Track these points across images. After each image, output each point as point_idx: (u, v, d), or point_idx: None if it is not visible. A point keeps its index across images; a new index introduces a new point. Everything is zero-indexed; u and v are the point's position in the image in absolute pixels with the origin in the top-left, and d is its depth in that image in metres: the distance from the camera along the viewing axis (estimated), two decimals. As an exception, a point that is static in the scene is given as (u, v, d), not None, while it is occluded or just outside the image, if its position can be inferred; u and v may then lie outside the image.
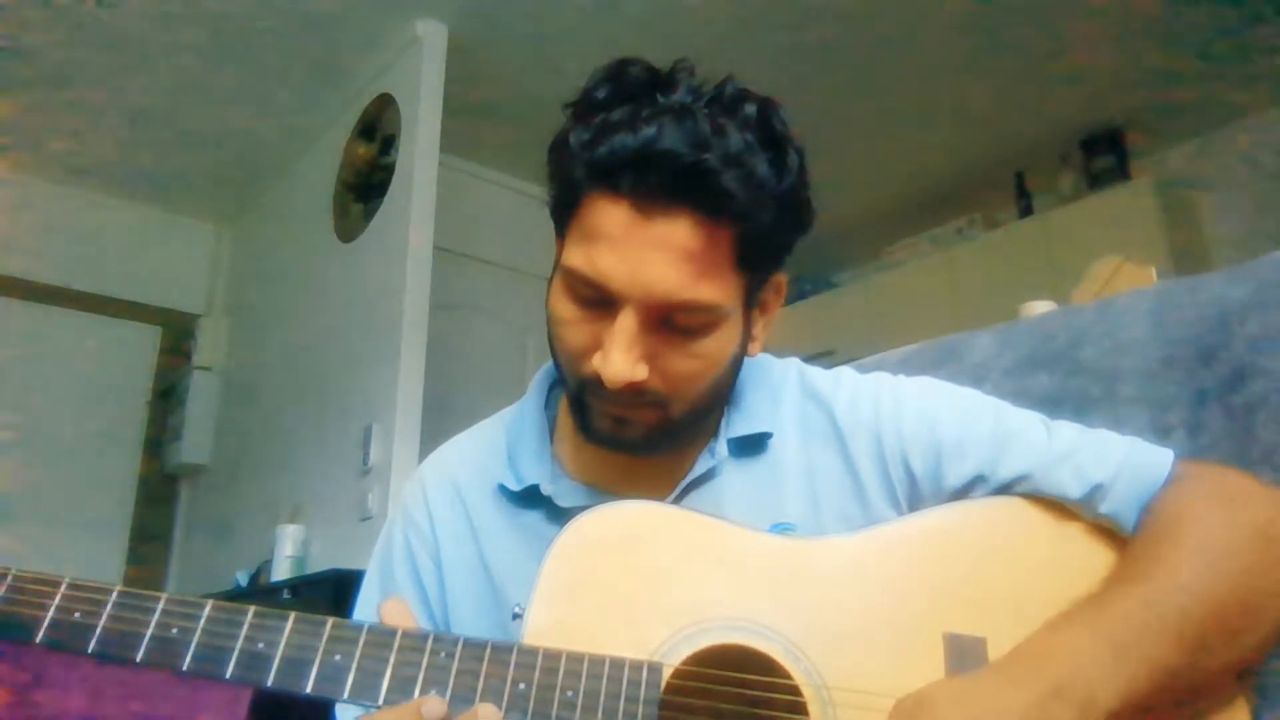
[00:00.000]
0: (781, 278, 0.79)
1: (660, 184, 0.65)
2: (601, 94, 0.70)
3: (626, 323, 0.67)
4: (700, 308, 0.68)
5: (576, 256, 0.69)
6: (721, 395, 0.77)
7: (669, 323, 0.69)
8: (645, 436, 0.73)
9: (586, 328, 0.70)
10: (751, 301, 0.75)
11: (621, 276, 0.67)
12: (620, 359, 0.67)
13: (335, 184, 3.42)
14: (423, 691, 0.61)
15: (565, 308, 0.72)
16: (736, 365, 0.77)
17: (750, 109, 0.69)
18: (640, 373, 0.68)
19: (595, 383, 0.70)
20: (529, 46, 3.17)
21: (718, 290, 0.69)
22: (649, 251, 0.66)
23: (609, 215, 0.67)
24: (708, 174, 0.65)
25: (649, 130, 0.65)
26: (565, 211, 0.72)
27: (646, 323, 0.68)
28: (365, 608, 0.84)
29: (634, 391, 0.69)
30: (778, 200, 0.69)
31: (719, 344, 0.71)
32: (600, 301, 0.69)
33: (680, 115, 0.66)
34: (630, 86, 0.69)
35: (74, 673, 1.45)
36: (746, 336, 0.76)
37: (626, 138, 0.66)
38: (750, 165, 0.67)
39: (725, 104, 0.69)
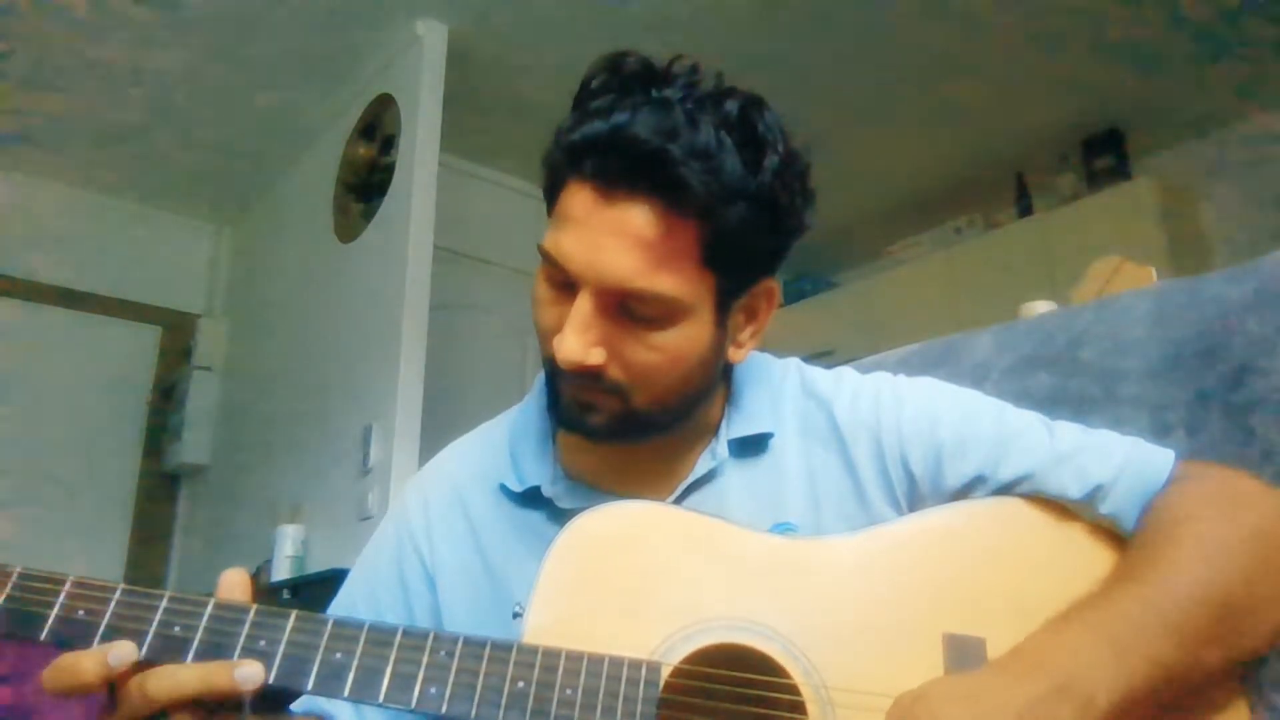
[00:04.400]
0: (772, 284, 0.77)
1: (620, 169, 0.66)
2: (596, 84, 0.71)
3: (583, 305, 0.68)
4: (655, 298, 0.68)
5: (548, 238, 0.71)
6: (696, 394, 0.76)
7: (626, 310, 0.69)
8: (608, 424, 0.73)
9: (555, 309, 0.71)
10: (728, 303, 0.73)
11: (579, 258, 0.68)
12: (573, 340, 0.68)
13: (335, 184, 3.42)
14: (422, 690, 0.61)
15: (539, 289, 0.73)
16: (710, 367, 0.75)
17: (732, 106, 0.69)
18: (594, 357, 0.69)
19: (558, 364, 0.70)
20: (529, 46, 3.17)
21: (677, 284, 0.68)
22: (606, 236, 0.67)
23: (576, 198, 0.69)
24: (668, 162, 0.65)
25: (620, 117, 0.66)
26: (550, 199, 0.74)
27: (604, 308, 0.69)
28: (343, 600, 0.85)
29: (591, 376, 0.70)
30: (749, 200, 0.68)
31: (682, 340, 0.70)
32: (566, 284, 0.70)
33: (656, 106, 0.67)
34: (623, 78, 0.70)
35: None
36: (724, 339, 0.75)
37: (599, 123, 0.67)
38: (717, 160, 0.66)
39: (707, 99, 0.69)
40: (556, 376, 0.73)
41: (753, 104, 0.70)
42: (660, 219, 0.66)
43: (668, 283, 0.67)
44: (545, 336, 0.73)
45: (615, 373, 0.70)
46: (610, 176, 0.67)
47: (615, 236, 0.67)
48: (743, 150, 0.68)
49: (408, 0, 2.99)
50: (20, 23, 2.95)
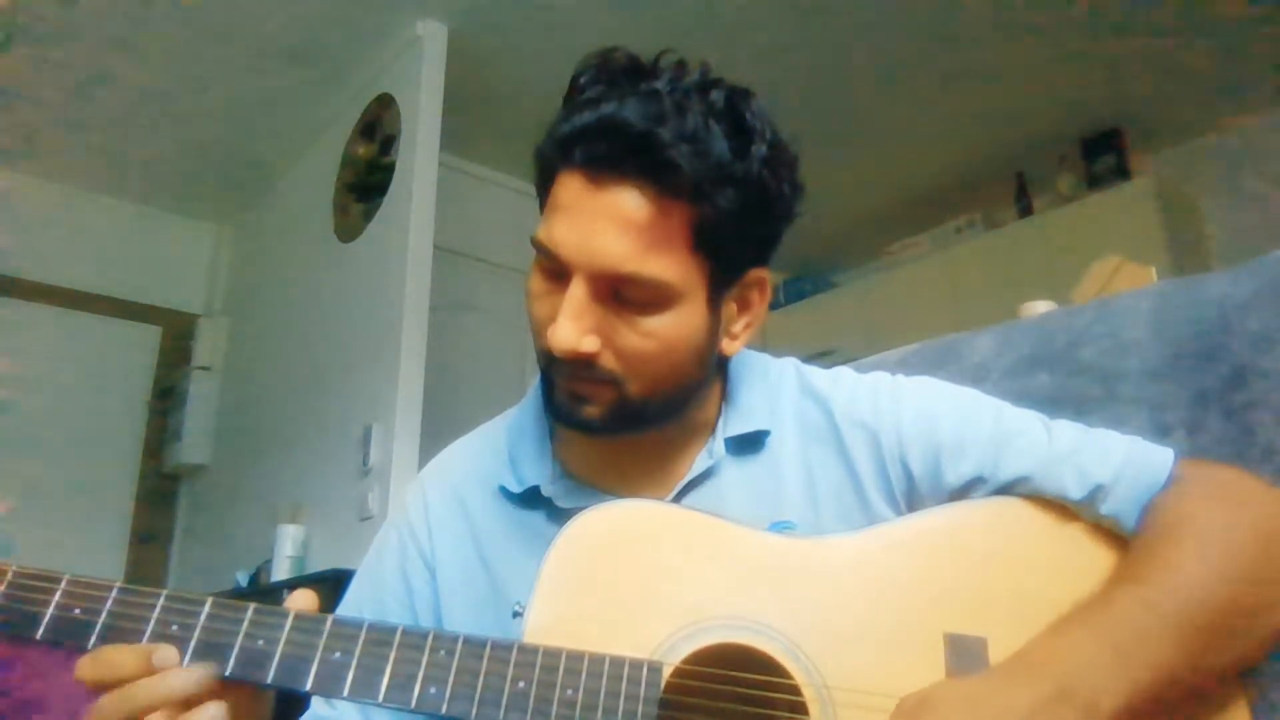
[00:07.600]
0: (764, 275, 0.78)
1: (609, 153, 0.67)
2: (584, 79, 0.71)
3: (575, 292, 0.68)
4: (646, 282, 0.68)
5: (540, 229, 0.71)
6: (689, 384, 0.75)
7: (619, 296, 0.69)
8: (602, 416, 0.73)
9: (548, 301, 0.71)
10: (720, 291, 0.73)
11: (571, 244, 0.68)
12: (567, 327, 0.68)
13: (335, 184, 3.43)
14: (422, 690, 0.61)
15: (533, 282, 0.73)
16: (704, 356, 0.74)
17: (718, 95, 0.70)
18: (589, 344, 0.69)
19: (553, 356, 0.70)
20: (529, 46, 3.17)
21: (668, 268, 0.68)
22: (597, 221, 0.67)
23: (567, 186, 0.69)
24: (656, 145, 0.66)
25: (608, 106, 0.68)
26: (542, 193, 0.74)
27: (597, 294, 0.69)
28: (349, 603, 0.85)
29: (585, 365, 0.70)
30: (737, 185, 0.69)
31: (674, 326, 0.70)
32: (559, 274, 0.70)
33: (644, 96, 0.68)
34: (611, 72, 0.71)
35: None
36: (717, 329, 0.75)
37: (587, 113, 0.68)
38: (704, 143, 0.67)
39: (693, 89, 0.69)
40: (551, 369, 0.73)
41: (739, 94, 0.71)
42: (650, 202, 0.67)
43: (659, 266, 0.68)
44: (539, 329, 0.72)
45: (608, 361, 0.70)
46: (599, 162, 0.67)
47: (606, 221, 0.67)
48: (730, 137, 0.69)
49: (408, 0, 2.99)
50: (18, 24, 2.95)
